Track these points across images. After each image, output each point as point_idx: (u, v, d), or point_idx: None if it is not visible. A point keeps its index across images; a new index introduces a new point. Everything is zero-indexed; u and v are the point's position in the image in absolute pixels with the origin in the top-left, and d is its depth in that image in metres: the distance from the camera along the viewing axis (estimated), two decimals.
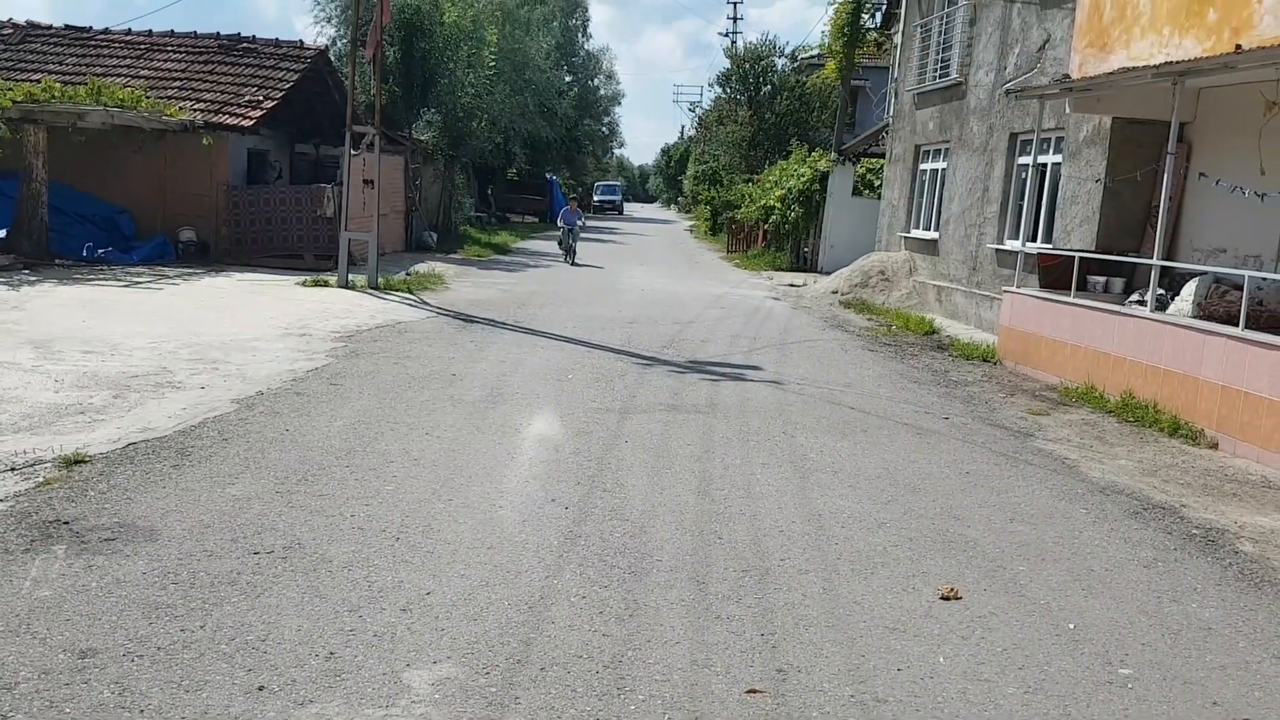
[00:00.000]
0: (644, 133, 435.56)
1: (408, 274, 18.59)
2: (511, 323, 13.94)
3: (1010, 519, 6.28)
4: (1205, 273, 10.81)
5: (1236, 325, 8.98)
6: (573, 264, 25.31)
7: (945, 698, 3.95)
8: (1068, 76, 12.58)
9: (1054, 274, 12.72)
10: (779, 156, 34.15)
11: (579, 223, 26.68)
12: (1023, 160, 15.70)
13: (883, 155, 23.39)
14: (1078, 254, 12.20)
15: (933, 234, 19.12)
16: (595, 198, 69.18)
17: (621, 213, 74.14)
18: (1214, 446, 8.81)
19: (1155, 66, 10.09)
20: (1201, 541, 6.15)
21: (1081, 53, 12.69)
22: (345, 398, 8.51)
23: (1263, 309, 10.02)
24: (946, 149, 18.76)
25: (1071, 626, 4.69)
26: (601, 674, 3.98)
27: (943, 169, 18.94)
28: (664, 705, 3.77)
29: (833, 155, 26.86)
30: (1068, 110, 13.29)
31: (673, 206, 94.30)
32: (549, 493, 6.26)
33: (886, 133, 22.85)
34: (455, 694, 3.75)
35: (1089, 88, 11.64)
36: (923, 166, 20.29)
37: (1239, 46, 9.40)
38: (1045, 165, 14.97)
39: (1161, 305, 10.83)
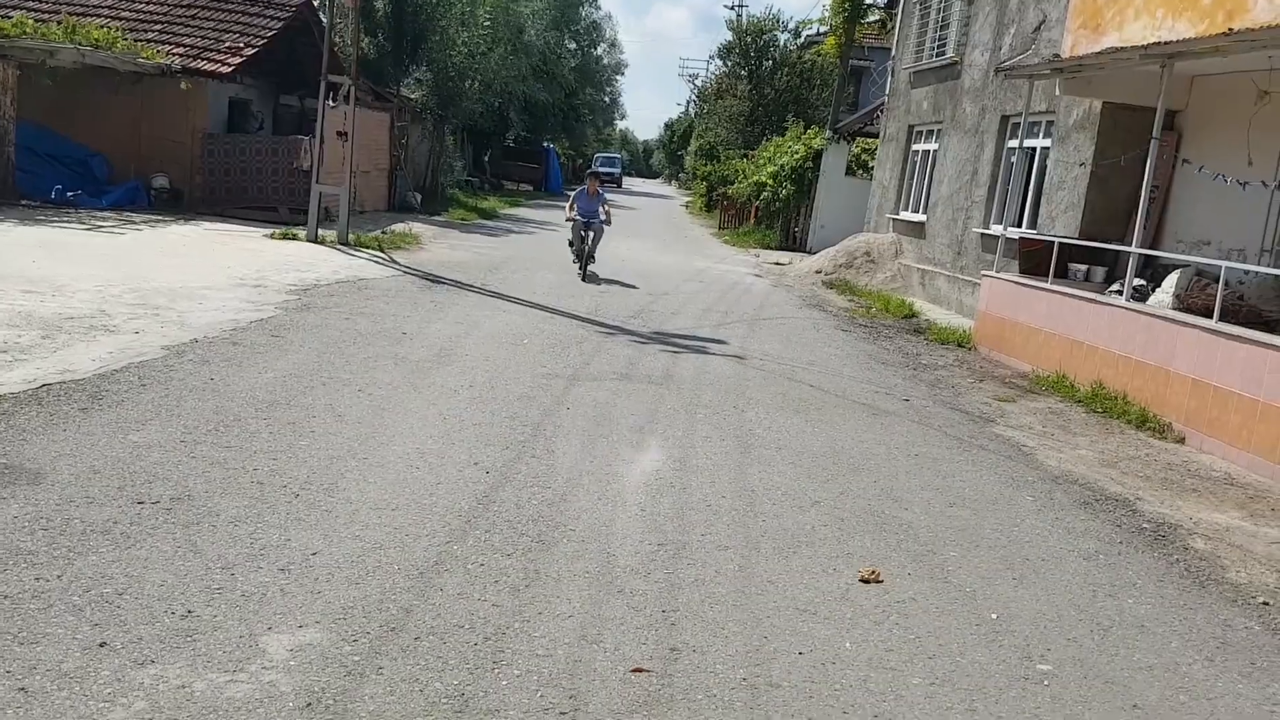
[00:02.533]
0: (651, 107, 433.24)
1: (382, 232, 18.23)
2: (479, 285, 13.62)
3: (950, 503, 6.01)
4: (1187, 264, 10.53)
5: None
6: (585, 277, 15.37)
7: (844, 685, 3.68)
8: (1058, 56, 12.25)
9: (1035, 260, 12.41)
10: (776, 133, 33.71)
11: (602, 213, 16.05)
12: (1013, 143, 15.34)
13: (878, 135, 23.00)
14: (1058, 240, 11.91)
15: (921, 216, 18.79)
16: (593, 169, 68.58)
17: (620, 186, 73.58)
18: (1181, 441, 8.55)
19: (1143, 47, 9.77)
20: (1151, 536, 5.89)
21: (1074, 33, 12.35)
22: (284, 350, 8.21)
23: (1243, 303, 9.74)
24: (939, 130, 18.40)
25: (994, 617, 4.43)
26: (480, 646, 3.71)
27: (934, 150, 18.58)
28: (539, 681, 3.51)
29: (828, 133, 26.45)
30: (1058, 92, 12.94)
31: (673, 182, 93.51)
32: (473, 456, 5.98)
33: (882, 111, 22.46)
34: (313, 661, 3.47)
35: (1079, 67, 11.31)
36: (915, 147, 19.92)
37: (1231, 30, 9.08)
38: (1034, 149, 14.64)
39: (1142, 296, 10.55)
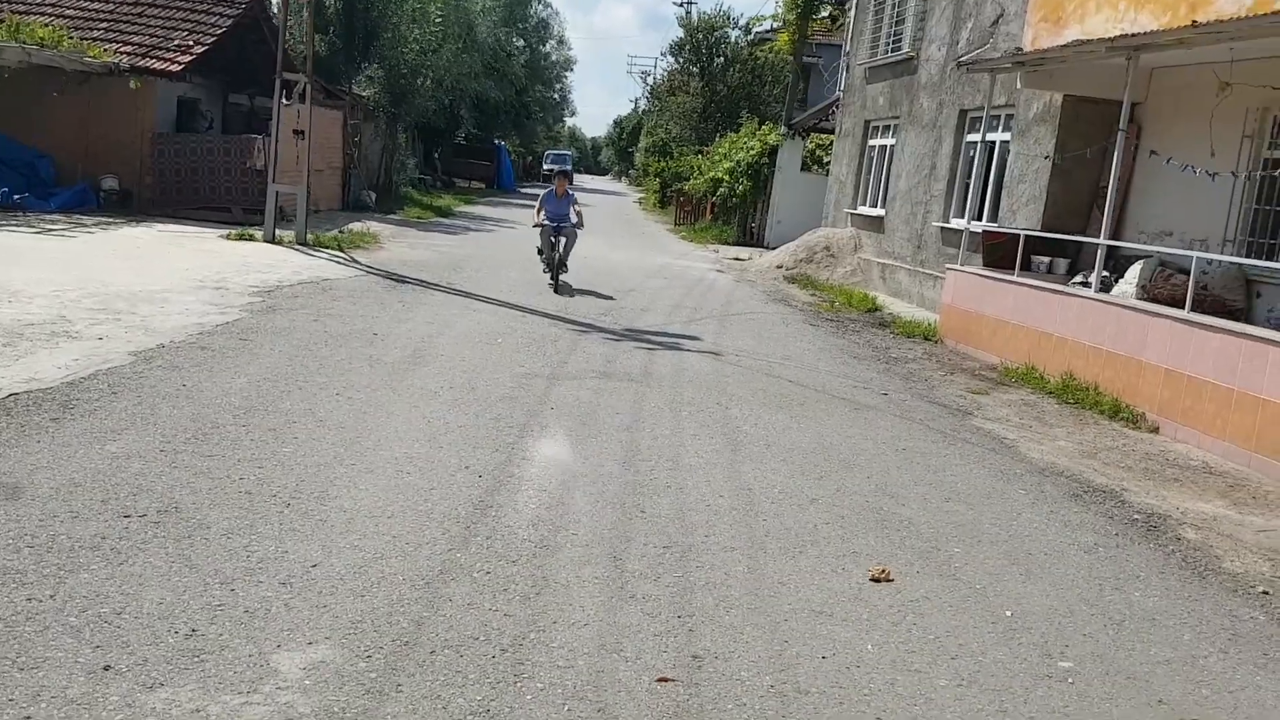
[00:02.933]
0: (598, 105, 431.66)
1: (340, 231, 17.91)
2: (445, 284, 13.43)
3: (946, 498, 5.99)
4: (1150, 254, 10.65)
5: (1180, 308, 8.79)
6: (557, 288, 13.99)
7: (872, 689, 3.62)
8: (1018, 50, 12.34)
9: (999, 253, 12.50)
10: (729, 129, 33.73)
11: (573, 215, 14.84)
12: (971, 137, 15.46)
13: (833, 131, 23.08)
14: (1023, 232, 12.00)
15: (879, 211, 18.88)
16: (545, 166, 68.22)
17: (571, 182, 73.34)
18: (1155, 430, 8.63)
19: (1109, 40, 9.85)
20: (1143, 527, 5.91)
21: (1035, 26, 12.45)
22: (254, 354, 7.99)
23: (1206, 293, 9.86)
24: (896, 125, 18.49)
25: (1009, 614, 4.40)
26: (498, 658, 3.59)
27: (891, 145, 18.68)
28: (564, 694, 3.40)
29: (783, 129, 26.50)
30: (1019, 86, 13.05)
31: (624, 179, 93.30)
32: (462, 460, 5.84)
33: (837, 107, 22.54)
34: (329, 679, 3.34)
35: (1042, 61, 11.39)
36: (871, 142, 20.01)
37: (1195, 22, 9.17)
38: (994, 143, 14.74)
39: (1105, 287, 10.64)
